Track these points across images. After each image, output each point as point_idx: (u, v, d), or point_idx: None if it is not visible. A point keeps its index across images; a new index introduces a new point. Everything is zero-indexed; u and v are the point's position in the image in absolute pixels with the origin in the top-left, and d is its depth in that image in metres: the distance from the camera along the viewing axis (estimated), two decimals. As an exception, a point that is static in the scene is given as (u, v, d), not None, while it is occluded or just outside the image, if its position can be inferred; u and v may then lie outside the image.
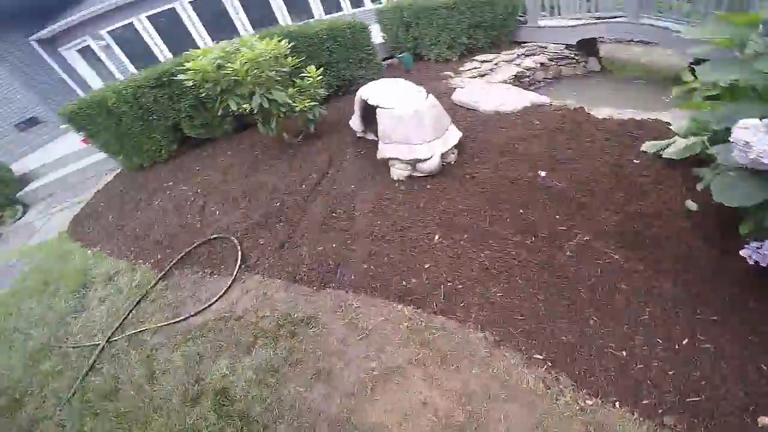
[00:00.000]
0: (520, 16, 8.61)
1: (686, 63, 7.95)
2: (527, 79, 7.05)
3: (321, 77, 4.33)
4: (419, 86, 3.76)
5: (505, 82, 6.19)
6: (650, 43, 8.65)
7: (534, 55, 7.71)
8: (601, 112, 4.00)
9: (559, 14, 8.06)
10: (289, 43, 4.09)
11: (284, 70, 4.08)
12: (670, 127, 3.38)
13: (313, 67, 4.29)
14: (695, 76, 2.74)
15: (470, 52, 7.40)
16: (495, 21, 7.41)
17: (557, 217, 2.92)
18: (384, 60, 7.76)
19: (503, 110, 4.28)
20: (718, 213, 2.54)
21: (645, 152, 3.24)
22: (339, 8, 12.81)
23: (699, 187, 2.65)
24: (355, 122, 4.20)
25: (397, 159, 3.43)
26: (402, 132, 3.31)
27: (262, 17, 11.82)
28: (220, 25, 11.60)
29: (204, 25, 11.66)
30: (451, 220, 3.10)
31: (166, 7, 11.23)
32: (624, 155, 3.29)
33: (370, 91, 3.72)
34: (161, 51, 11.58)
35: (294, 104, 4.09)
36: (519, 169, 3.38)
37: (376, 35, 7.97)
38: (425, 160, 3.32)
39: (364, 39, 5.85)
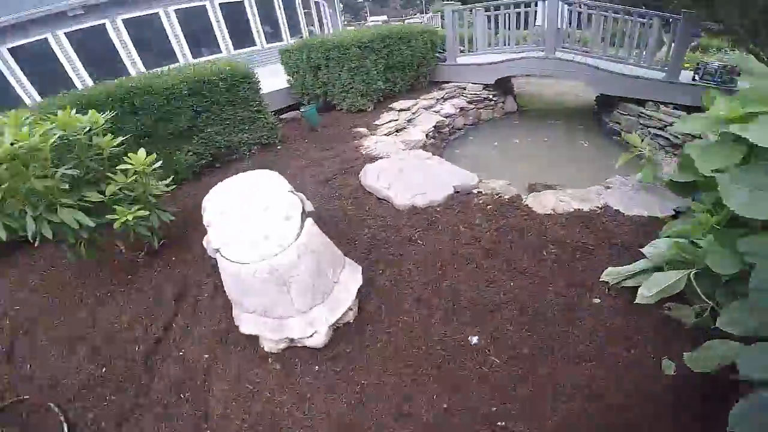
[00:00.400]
0: (440, 51, 7.85)
1: (593, 96, 7.76)
2: (447, 129, 6.14)
3: (156, 165, 2.73)
4: (293, 197, 2.34)
5: (426, 137, 5.16)
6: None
7: (453, 98, 6.91)
8: (540, 202, 2.98)
9: (477, 49, 7.44)
10: (120, 105, 2.52)
11: (85, 164, 2.51)
12: (642, 249, 2.33)
13: (141, 152, 2.71)
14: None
15: (387, 97, 6.35)
16: (413, 60, 6.46)
17: (494, 409, 1.78)
18: (286, 110, 6.37)
19: (421, 204, 3.10)
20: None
21: (606, 282, 2.23)
22: (253, 43, 11.26)
23: (686, 358, 1.72)
24: (209, 243, 2.65)
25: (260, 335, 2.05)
26: (257, 300, 1.91)
27: (159, 54, 9.88)
28: (106, 64, 9.41)
29: (84, 63, 9.38)
30: (349, 423, 1.80)
31: (36, 38, 8.81)
32: (579, 288, 2.26)
33: (214, 209, 2.28)
34: (26, 92, 9.07)
35: (115, 217, 2.47)
36: (443, 329, 2.15)
37: (281, 80, 6.63)
38: (304, 338, 1.98)
39: (248, 92, 4.39)
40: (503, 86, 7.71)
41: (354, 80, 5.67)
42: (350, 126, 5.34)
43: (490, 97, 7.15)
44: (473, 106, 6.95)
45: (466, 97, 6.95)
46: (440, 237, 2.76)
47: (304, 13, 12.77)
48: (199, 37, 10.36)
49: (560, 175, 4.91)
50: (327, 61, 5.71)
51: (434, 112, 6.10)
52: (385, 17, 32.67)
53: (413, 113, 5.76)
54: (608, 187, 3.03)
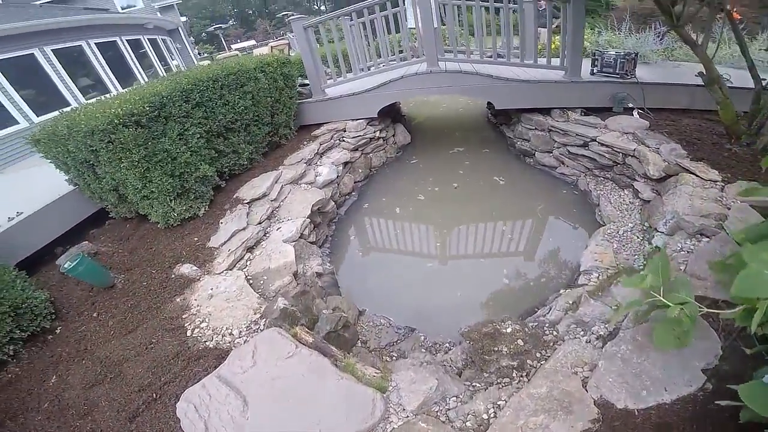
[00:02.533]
0: (303, 85, 5.49)
1: (484, 104, 6.34)
2: (333, 203, 3.93)
3: None
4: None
5: (297, 241, 2.87)
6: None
7: (332, 149, 4.67)
8: None
9: (350, 72, 5.16)
10: None
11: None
12: None
13: None
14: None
15: (233, 176, 3.85)
16: (259, 110, 3.95)
17: None
18: (77, 231, 3.16)
19: None
20: None
21: None
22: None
23: None
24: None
25: None
26: None
27: None
28: None
29: None
30: None
31: None
32: None
33: None
34: None
35: None
36: None
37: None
38: None
39: None
40: (390, 113, 5.74)
41: (149, 178, 2.94)
42: (168, 261, 2.74)
43: (378, 133, 5.08)
44: (360, 154, 4.83)
45: (348, 142, 4.77)
46: None
47: (137, 53, 8.86)
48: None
49: (492, 275, 3.03)
50: (95, 155, 2.84)
51: (308, 184, 3.80)
52: (252, 42, 28.55)
53: (274, 200, 3.39)
54: (585, 338, 1.20)
